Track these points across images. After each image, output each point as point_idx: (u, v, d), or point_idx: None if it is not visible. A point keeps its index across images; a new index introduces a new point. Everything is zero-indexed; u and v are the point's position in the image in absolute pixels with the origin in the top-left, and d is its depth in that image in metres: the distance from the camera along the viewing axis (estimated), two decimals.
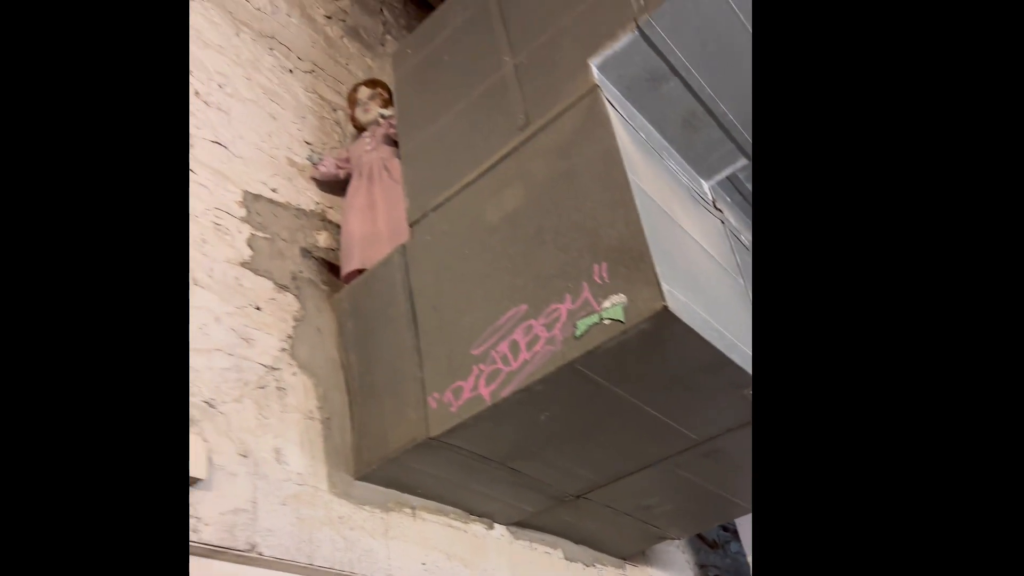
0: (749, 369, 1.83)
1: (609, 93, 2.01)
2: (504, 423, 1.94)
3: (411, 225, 2.32)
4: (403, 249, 2.30)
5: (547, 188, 1.96)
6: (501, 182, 2.10)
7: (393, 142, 2.69)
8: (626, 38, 1.98)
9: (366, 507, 2.13)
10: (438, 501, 2.32)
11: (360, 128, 2.87)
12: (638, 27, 1.95)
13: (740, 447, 2.13)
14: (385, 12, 3.90)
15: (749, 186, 2.48)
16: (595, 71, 2.01)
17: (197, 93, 2.49)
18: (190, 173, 2.27)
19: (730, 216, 2.41)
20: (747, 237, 2.48)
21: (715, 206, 2.34)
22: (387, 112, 2.70)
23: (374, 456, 2.09)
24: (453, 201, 2.21)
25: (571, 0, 2.15)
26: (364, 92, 2.87)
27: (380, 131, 2.73)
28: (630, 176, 1.80)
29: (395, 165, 2.63)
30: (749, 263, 2.33)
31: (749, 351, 1.86)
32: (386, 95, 2.88)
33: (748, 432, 2.06)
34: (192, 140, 2.36)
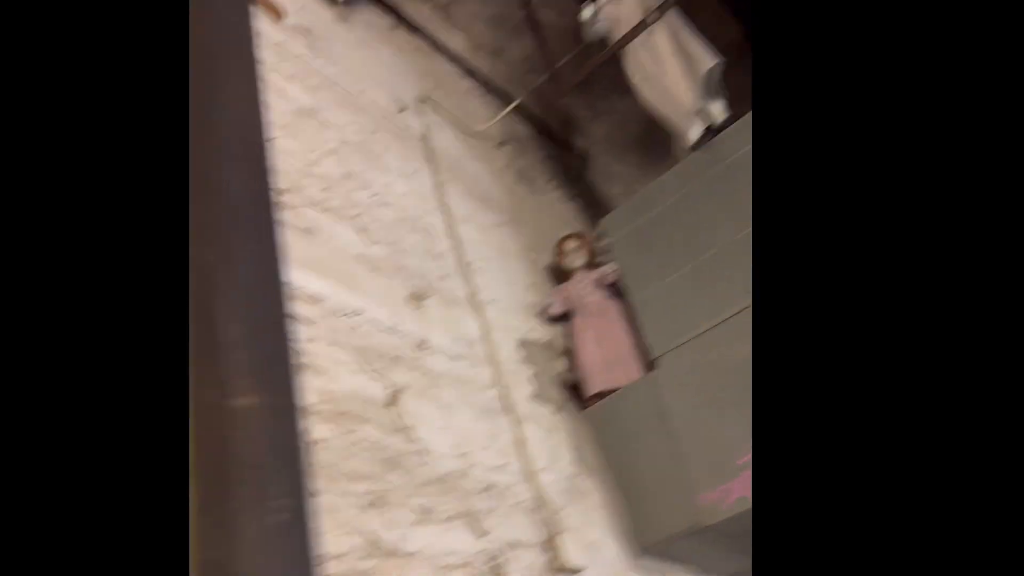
0: None
1: None
2: None
3: (654, 359, 3.15)
4: (649, 377, 3.12)
5: None
6: (733, 334, 2.95)
7: (604, 287, 3.51)
8: None
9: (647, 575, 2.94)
10: (684, 564, 3.13)
11: (565, 272, 3.67)
12: None
13: None
14: (529, 153, 4.73)
15: None
16: None
17: (469, 264, 3.27)
18: (492, 332, 3.05)
19: None
20: None
21: None
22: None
23: (658, 537, 2.90)
24: (692, 343, 3.05)
25: None
26: (571, 244, 3.69)
27: (593, 276, 3.54)
28: None
29: (610, 306, 3.44)
30: None
31: None
32: (588, 245, 3.70)
33: None
34: (482, 304, 3.13)
